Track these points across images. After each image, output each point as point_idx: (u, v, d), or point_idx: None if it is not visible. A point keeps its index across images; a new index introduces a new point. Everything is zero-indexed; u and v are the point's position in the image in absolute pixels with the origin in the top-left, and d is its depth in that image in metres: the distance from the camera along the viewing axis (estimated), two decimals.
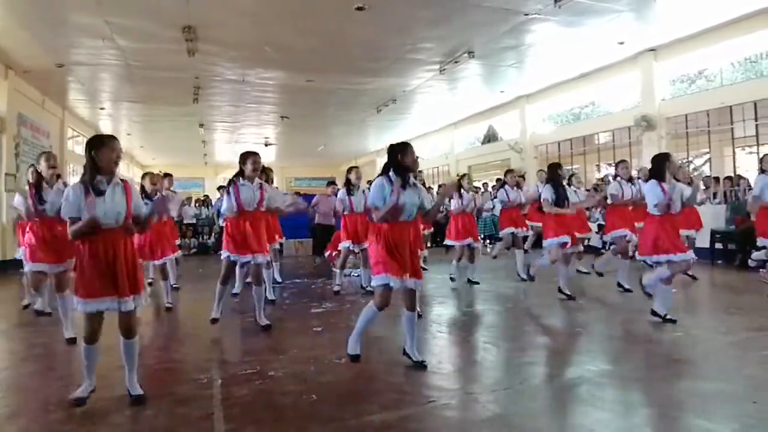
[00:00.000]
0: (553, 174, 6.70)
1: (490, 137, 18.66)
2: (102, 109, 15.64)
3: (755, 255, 6.52)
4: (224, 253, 5.25)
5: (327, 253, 9.68)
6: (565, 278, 6.60)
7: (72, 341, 4.82)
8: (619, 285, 7.12)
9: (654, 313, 5.25)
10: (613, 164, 14.76)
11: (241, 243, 5.15)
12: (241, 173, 5.22)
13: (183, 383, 3.83)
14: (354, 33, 9.45)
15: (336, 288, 7.37)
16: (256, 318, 5.42)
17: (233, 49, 10.18)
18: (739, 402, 3.31)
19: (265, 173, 7.01)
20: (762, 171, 6.39)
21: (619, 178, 7.48)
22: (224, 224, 5.40)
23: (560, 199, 6.49)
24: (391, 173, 4.00)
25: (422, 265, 9.58)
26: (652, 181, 5.27)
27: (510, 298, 7.06)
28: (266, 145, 22.10)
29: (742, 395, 3.43)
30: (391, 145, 4.11)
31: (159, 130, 18.78)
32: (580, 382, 3.77)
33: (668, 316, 5.18)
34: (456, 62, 11.08)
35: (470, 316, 6.17)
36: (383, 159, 4.21)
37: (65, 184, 5.00)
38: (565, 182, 8.61)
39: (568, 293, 6.58)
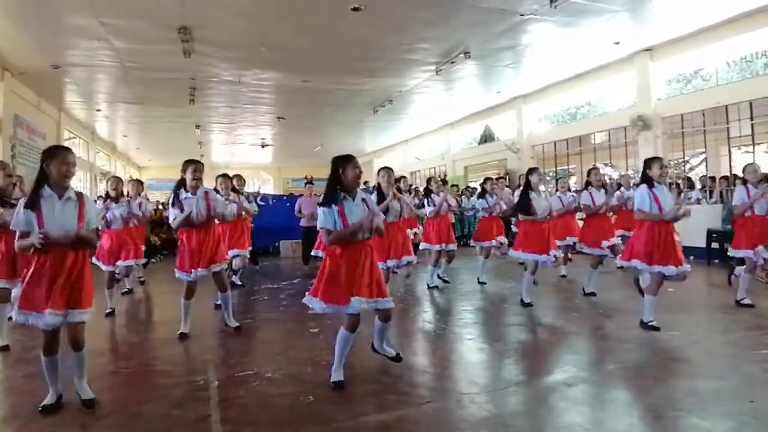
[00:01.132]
0: (526, 180, 6.33)
1: (487, 137, 18.67)
2: (98, 110, 15.62)
3: (737, 270, 6.37)
4: (177, 274, 5.10)
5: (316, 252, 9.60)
6: (527, 284, 6.41)
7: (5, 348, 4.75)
8: (584, 291, 6.97)
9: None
10: (610, 164, 14.91)
11: (195, 258, 4.99)
12: (182, 183, 5.01)
13: (180, 385, 3.83)
14: (350, 33, 9.45)
15: None
16: (226, 321, 5.40)
17: (229, 49, 10.16)
18: (736, 400, 3.34)
19: (237, 180, 6.99)
20: (744, 181, 6.28)
21: (590, 187, 7.27)
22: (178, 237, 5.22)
23: (526, 207, 6.14)
24: (336, 190, 3.75)
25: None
26: (643, 187, 5.18)
27: (505, 298, 7.06)
28: (263, 146, 22.10)
29: (738, 394, 3.45)
30: (334, 158, 3.85)
31: (155, 132, 18.76)
32: (576, 381, 3.79)
33: (652, 323, 5.09)
34: (452, 63, 11.08)
35: (465, 316, 6.16)
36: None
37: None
38: (551, 186, 8.43)
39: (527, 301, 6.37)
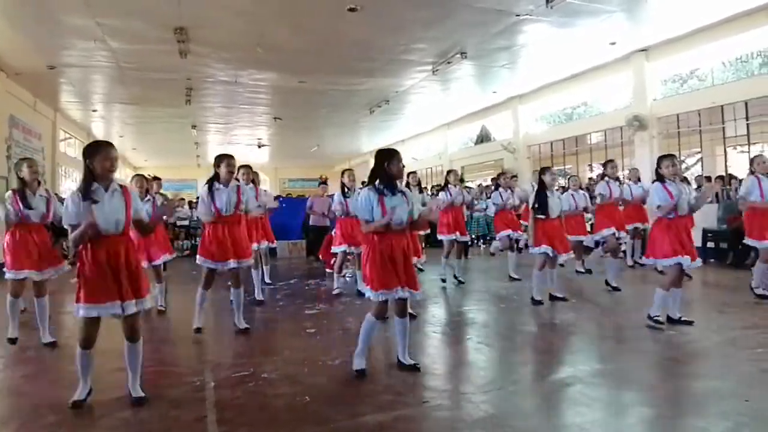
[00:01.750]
0: (539, 180, 6.57)
1: (483, 137, 18.69)
2: (94, 111, 15.57)
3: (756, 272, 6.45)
4: (200, 260, 5.18)
5: (320, 256, 9.68)
6: (546, 283, 6.56)
7: (52, 345, 4.87)
8: (607, 284, 7.17)
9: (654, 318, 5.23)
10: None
11: (220, 249, 5.08)
12: (216, 177, 5.17)
13: (176, 386, 3.82)
14: (346, 34, 9.44)
15: (336, 291, 7.33)
16: (235, 321, 5.39)
17: (225, 50, 10.15)
18: (732, 400, 3.34)
19: (254, 175, 7.02)
20: (751, 172, 6.42)
21: (606, 178, 7.61)
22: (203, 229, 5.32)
23: (544, 207, 6.33)
24: (377, 183, 3.97)
25: (418, 266, 9.69)
26: (657, 183, 5.28)
27: (503, 298, 7.07)
28: (259, 146, 22.07)
29: (734, 393, 3.45)
30: (379, 151, 4.06)
31: (151, 132, 18.71)
32: (573, 381, 3.79)
33: (656, 318, 5.15)
34: (449, 63, 11.08)
35: (463, 316, 6.17)
36: None
37: (47, 191, 5.03)
38: (563, 185, 8.69)
39: (560, 295, 6.62)
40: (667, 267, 5.30)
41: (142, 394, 3.46)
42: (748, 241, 6.43)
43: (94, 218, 3.26)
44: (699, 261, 5.20)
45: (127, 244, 3.48)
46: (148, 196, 6.37)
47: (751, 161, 6.46)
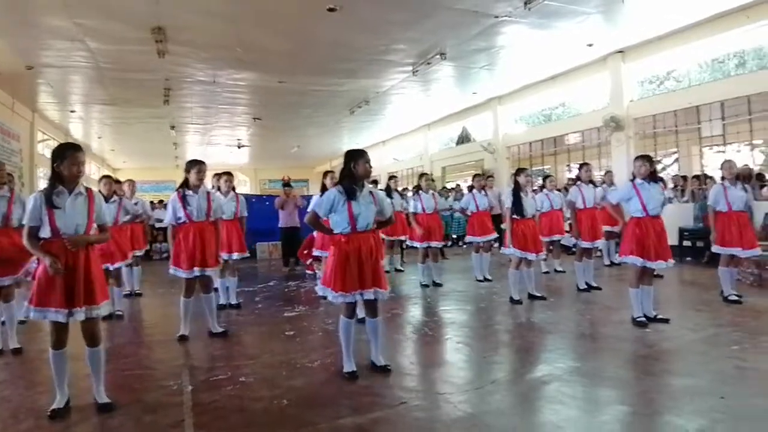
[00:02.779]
0: (514, 181, 6.57)
1: (464, 138, 18.77)
2: (72, 111, 15.33)
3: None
4: (172, 270, 5.13)
5: (299, 257, 9.62)
6: (523, 282, 6.65)
7: (17, 352, 4.78)
8: (588, 285, 7.22)
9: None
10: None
11: (188, 257, 5.03)
12: (186, 183, 5.15)
13: (152, 390, 3.79)
14: (326, 34, 9.41)
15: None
16: (210, 327, 5.34)
17: (204, 50, 10.05)
18: (707, 397, 3.39)
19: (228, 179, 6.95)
20: (723, 178, 6.44)
21: (579, 182, 7.51)
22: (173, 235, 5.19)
23: (519, 207, 6.39)
24: (344, 183, 3.98)
25: (399, 267, 9.72)
26: (627, 182, 5.44)
27: (482, 298, 7.11)
28: (239, 147, 21.90)
29: (709, 390, 3.51)
30: (347, 152, 4.07)
31: (130, 133, 18.47)
32: (550, 380, 3.83)
33: (639, 319, 5.27)
34: (428, 64, 11.11)
35: (442, 316, 6.19)
36: None
37: (11, 191, 4.92)
38: (539, 185, 8.74)
39: (538, 294, 6.71)
40: (629, 264, 5.42)
41: (108, 400, 3.43)
42: (714, 248, 6.42)
43: (56, 264, 3.21)
44: (671, 262, 5.29)
45: (87, 249, 3.43)
46: (114, 198, 6.32)
47: (721, 166, 6.48)
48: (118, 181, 7.29)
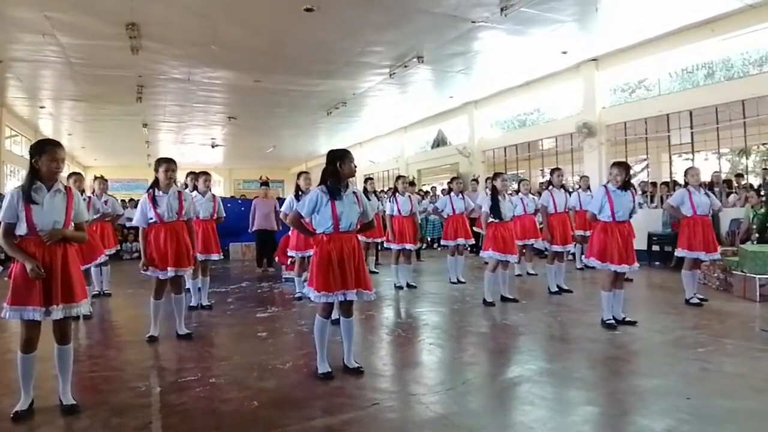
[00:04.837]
0: (492, 185, 6.74)
1: (440, 141, 18.87)
2: (42, 107, 14.95)
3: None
4: (147, 271, 4.99)
5: (277, 259, 9.53)
6: (498, 285, 6.74)
7: None
8: (559, 288, 7.32)
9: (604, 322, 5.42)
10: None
11: (160, 257, 4.94)
12: (156, 182, 5.04)
13: (120, 392, 3.72)
14: (303, 34, 9.36)
15: (298, 294, 7.13)
16: (176, 328, 5.24)
17: (178, 47, 9.91)
18: (674, 398, 3.46)
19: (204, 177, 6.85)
20: (685, 183, 6.60)
21: (551, 187, 7.62)
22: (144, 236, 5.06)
23: (497, 211, 6.49)
24: (328, 183, 3.97)
25: (373, 269, 9.71)
26: (601, 188, 5.50)
27: (455, 299, 7.14)
28: (213, 146, 21.67)
29: (676, 391, 3.58)
30: (331, 151, 4.07)
31: (101, 130, 18.11)
32: (521, 381, 3.87)
33: (609, 321, 5.36)
34: (405, 66, 11.13)
35: (416, 318, 6.21)
36: None
37: None
38: (513, 189, 8.81)
39: (511, 297, 6.80)
40: (599, 268, 5.52)
41: (74, 402, 3.36)
42: (678, 252, 6.57)
43: (38, 269, 3.15)
44: (636, 265, 5.41)
45: (65, 246, 3.35)
46: (84, 196, 6.21)
47: (685, 173, 6.65)
48: (102, 178, 7.22)
